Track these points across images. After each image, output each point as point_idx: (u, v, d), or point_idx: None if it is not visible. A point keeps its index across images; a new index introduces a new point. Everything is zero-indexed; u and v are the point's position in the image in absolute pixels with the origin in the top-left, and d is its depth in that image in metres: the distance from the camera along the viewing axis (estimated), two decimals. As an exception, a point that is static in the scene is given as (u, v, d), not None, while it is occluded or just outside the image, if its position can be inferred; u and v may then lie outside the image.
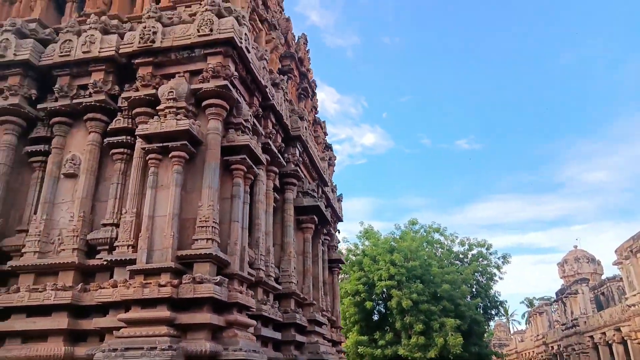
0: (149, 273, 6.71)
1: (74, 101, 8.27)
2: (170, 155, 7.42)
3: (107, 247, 7.46)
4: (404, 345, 28.15)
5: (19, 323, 6.98)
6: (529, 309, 62.44)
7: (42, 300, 6.95)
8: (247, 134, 8.34)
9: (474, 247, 35.72)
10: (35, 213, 7.93)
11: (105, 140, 8.20)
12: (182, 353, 6.14)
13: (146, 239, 6.92)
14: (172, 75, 8.29)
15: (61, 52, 8.50)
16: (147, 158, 7.50)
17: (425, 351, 27.59)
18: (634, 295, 26.19)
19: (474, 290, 32.50)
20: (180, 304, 6.61)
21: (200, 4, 8.53)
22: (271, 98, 9.97)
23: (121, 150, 8.12)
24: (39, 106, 8.41)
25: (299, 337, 10.23)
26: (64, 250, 7.36)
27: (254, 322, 7.64)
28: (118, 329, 6.61)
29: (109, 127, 8.28)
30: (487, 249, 35.41)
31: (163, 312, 6.41)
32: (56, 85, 8.46)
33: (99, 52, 8.36)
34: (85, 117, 8.28)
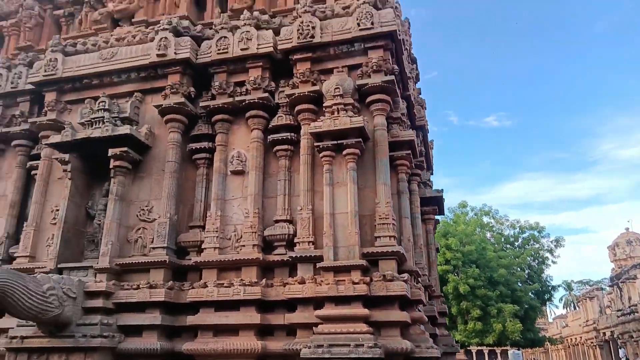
0: (338, 270, 6.89)
1: (235, 99, 8.41)
2: (344, 153, 7.49)
3: (283, 243, 7.67)
4: (461, 330, 28.14)
5: (210, 317, 7.34)
6: (567, 293, 60.54)
7: (231, 295, 7.26)
8: (406, 128, 8.30)
9: (526, 229, 34.96)
10: (205, 209, 8.24)
11: (268, 137, 8.34)
12: (383, 350, 6.31)
13: (330, 236, 7.08)
14: (330, 71, 8.30)
15: (218, 50, 8.63)
16: (320, 155, 7.60)
17: (483, 337, 27.48)
18: None
19: (526, 274, 32.00)
20: (371, 302, 6.76)
21: (357, -3, 8.39)
22: (408, 88, 9.84)
23: (285, 147, 8.25)
24: (201, 104, 8.62)
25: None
26: (243, 246, 7.63)
27: (426, 318, 7.75)
28: (308, 325, 6.85)
29: (270, 124, 8.40)
30: (539, 231, 34.57)
31: (360, 310, 6.58)
32: (215, 83, 8.62)
33: (257, 48, 8.44)
34: (247, 115, 8.42)
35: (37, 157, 9.45)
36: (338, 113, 7.64)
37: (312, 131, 7.62)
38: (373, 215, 7.31)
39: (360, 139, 7.45)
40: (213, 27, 9.06)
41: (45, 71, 9.24)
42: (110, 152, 8.21)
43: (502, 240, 34.64)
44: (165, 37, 8.70)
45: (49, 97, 9.35)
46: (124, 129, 8.18)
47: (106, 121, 8.31)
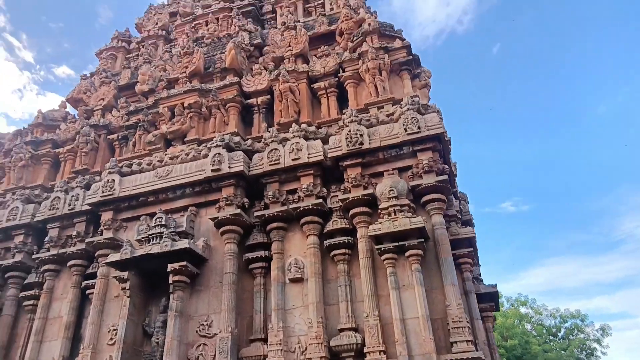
0: (416, 381, 6.51)
1: (290, 207, 8.61)
2: (406, 254, 7.45)
3: (352, 353, 7.35)
4: None
5: None
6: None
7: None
8: (462, 224, 8.30)
9: (567, 318, 33.21)
10: (265, 320, 8.06)
11: (325, 242, 8.38)
12: None
13: (403, 344, 6.80)
14: (380, 174, 8.56)
15: (270, 161, 9.01)
16: (382, 258, 7.56)
17: None
18: None
19: (575, 368, 29.71)
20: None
21: (400, 105, 8.89)
22: (455, 185, 10.00)
23: (342, 251, 8.25)
24: (255, 214, 8.81)
25: None
26: (310, 359, 7.32)
27: None
28: None
29: (325, 228, 8.49)
30: (582, 320, 32.75)
31: None
32: (268, 193, 8.88)
33: (308, 157, 8.79)
34: (301, 221, 8.55)
35: (92, 276, 9.54)
36: (395, 214, 7.73)
37: (371, 234, 7.66)
38: (444, 318, 7.07)
39: (422, 239, 7.45)
40: (263, 140, 9.55)
41: (103, 192, 9.65)
42: (170, 267, 8.27)
43: (544, 331, 32.76)
44: (219, 153, 9.15)
45: (106, 216, 9.65)
46: (183, 244, 8.31)
47: (165, 237, 8.47)
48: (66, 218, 10.20)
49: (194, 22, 13.79)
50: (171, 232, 8.63)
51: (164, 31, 14.60)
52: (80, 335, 9.26)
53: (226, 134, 9.69)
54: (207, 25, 13.62)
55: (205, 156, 9.44)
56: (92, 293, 9.33)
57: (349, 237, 8.28)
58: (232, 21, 13.23)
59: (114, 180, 9.73)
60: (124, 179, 9.75)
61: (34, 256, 10.07)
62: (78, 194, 10.22)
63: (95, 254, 9.50)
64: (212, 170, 9.01)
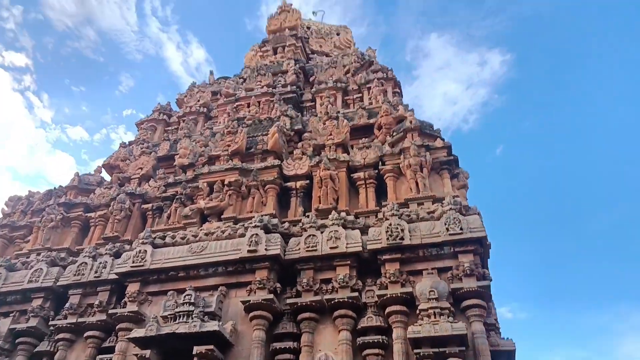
0: None
1: (324, 297, 8.40)
2: (446, 362, 7.11)
3: None
4: None
5: None
6: None
7: None
8: (502, 336, 7.99)
9: None
10: (290, 419, 7.55)
11: (358, 339, 8.06)
12: None
13: None
14: (419, 272, 8.41)
15: (307, 247, 8.94)
16: (420, 364, 7.21)
17: None
18: None
19: None
20: None
21: (441, 204, 8.96)
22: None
23: (376, 351, 7.91)
24: (288, 301, 8.59)
25: None
26: None
27: None
28: None
29: (359, 324, 8.21)
30: None
31: None
32: (302, 280, 8.72)
33: (346, 247, 8.72)
34: (334, 314, 8.30)
35: (108, 350, 9.16)
36: (435, 317, 7.49)
37: (410, 336, 7.37)
38: None
39: (464, 347, 7.14)
40: (300, 224, 9.55)
41: (133, 262, 9.53)
42: (196, 349, 7.92)
43: None
44: (257, 234, 9.12)
45: (132, 287, 9.46)
46: (212, 325, 8.03)
47: (194, 316, 8.22)
48: (90, 285, 9.99)
49: (237, 103, 14.41)
50: (200, 312, 8.37)
51: (205, 108, 15.23)
52: (87, 414, 8.70)
53: (264, 215, 9.72)
54: (248, 107, 14.20)
55: (242, 235, 9.41)
56: (105, 369, 8.92)
57: (384, 337, 7.97)
58: (273, 105, 13.80)
59: (146, 251, 9.65)
60: (156, 251, 9.67)
61: (50, 323, 9.75)
62: (106, 262, 10.09)
63: (116, 327, 9.17)
64: (249, 251, 8.93)
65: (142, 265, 9.46)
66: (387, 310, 8.11)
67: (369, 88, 13.66)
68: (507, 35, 52.06)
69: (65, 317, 9.76)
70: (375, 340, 7.93)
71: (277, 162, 10.93)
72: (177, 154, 12.96)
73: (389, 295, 8.08)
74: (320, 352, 8.11)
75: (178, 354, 8.20)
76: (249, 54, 21.62)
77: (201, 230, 9.93)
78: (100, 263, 10.12)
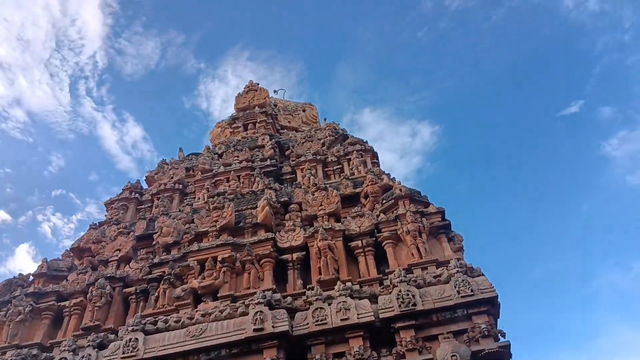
0: None
1: (341, 373, 8.00)
2: None
3: None
4: None
5: None
6: None
7: None
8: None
9: None
10: None
11: (382, 415, 7.64)
12: None
13: None
14: (434, 337, 8.31)
15: (316, 321, 8.61)
16: None
17: None
18: None
19: None
20: None
21: (447, 267, 9.07)
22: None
23: None
24: (302, 381, 8.09)
25: None
26: None
27: None
28: None
29: (381, 399, 7.82)
30: None
31: None
32: (314, 356, 8.32)
33: (358, 317, 8.49)
34: (353, 390, 7.88)
35: None
36: (462, 384, 7.29)
37: (442, 407, 7.09)
38: None
39: (498, 413, 6.94)
40: (304, 298, 9.25)
41: (124, 352, 8.73)
42: None
43: None
44: (261, 311, 8.71)
45: (123, 381, 8.56)
46: (225, 417, 7.35)
47: (203, 408, 7.50)
48: (71, 383, 8.95)
49: (215, 178, 14.24)
50: (209, 402, 7.67)
51: (180, 185, 14.90)
52: None
53: (266, 291, 9.34)
54: (228, 181, 14.06)
55: (244, 314, 8.94)
56: None
57: (410, 410, 7.62)
58: (254, 179, 13.76)
59: (137, 339, 8.88)
60: (148, 338, 8.93)
61: None
62: (90, 355, 9.12)
63: None
64: (255, 330, 8.46)
65: (135, 355, 8.66)
66: (409, 381, 7.82)
67: (349, 159, 14.03)
68: (434, 108, 56.47)
69: None
70: (401, 416, 7.55)
71: (269, 235, 10.74)
72: (156, 233, 12.40)
73: (409, 365, 7.83)
74: None
75: None
76: (215, 130, 21.78)
77: (197, 311, 9.34)
78: (84, 357, 9.14)
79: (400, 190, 11.13)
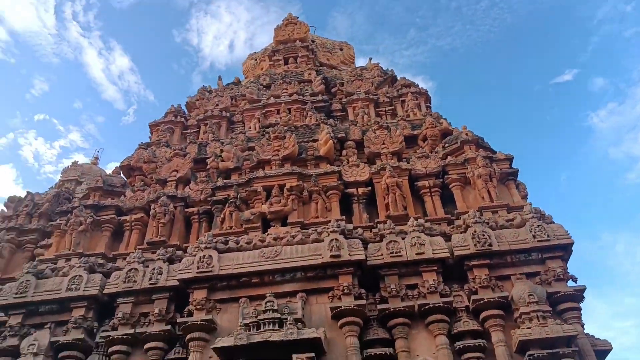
0: None
1: (417, 302, 8.31)
2: (560, 364, 7.24)
3: None
4: None
5: None
6: None
7: None
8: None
9: None
10: None
11: (456, 344, 8.01)
12: None
13: None
14: (507, 277, 8.61)
15: (390, 253, 8.81)
16: (534, 366, 7.28)
17: None
18: None
19: None
20: None
21: (520, 212, 9.25)
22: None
23: (476, 354, 7.90)
24: (379, 307, 8.39)
25: None
26: None
27: None
28: None
29: (454, 329, 8.18)
30: None
31: None
32: (388, 286, 8.57)
33: (433, 253, 8.71)
34: (428, 319, 8.22)
35: (172, 362, 8.41)
36: (539, 320, 7.64)
37: (522, 339, 7.46)
38: None
39: (576, 348, 7.33)
40: (376, 230, 9.42)
41: (199, 268, 8.89)
42: (295, 357, 7.47)
43: None
44: (336, 239, 8.86)
45: (198, 295, 8.80)
46: (311, 333, 7.66)
47: (289, 324, 7.78)
48: (143, 293, 9.15)
49: (265, 109, 14.04)
50: (293, 319, 7.94)
51: (228, 113, 14.71)
52: None
53: (339, 220, 9.47)
54: (278, 113, 13.88)
55: (316, 240, 9.10)
56: (172, 383, 8.18)
57: (482, 340, 7.99)
58: (305, 113, 13.60)
59: (211, 256, 9.03)
60: (222, 256, 9.09)
61: (102, 334, 8.80)
62: (161, 268, 9.31)
63: (185, 337, 8.44)
64: (332, 256, 8.64)
65: (210, 271, 8.84)
66: (484, 314, 8.16)
67: (403, 101, 13.88)
68: (428, 64, 55.45)
69: (116, 328, 8.85)
70: (476, 345, 7.93)
71: (336, 168, 10.76)
72: (209, 157, 12.40)
73: (486, 300, 8.14)
74: (418, 357, 7.98)
75: (269, 361, 7.71)
76: (248, 62, 21.34)
77: (268, 235, 9.47)
78: (154, 269, 9.31)
79: (467, 134, 11.13)
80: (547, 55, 48.99)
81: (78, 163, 22.11)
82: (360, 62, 22.81)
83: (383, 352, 8.04)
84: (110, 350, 8.66)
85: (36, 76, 52.74)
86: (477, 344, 7.93)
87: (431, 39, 54.86)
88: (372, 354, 8.06)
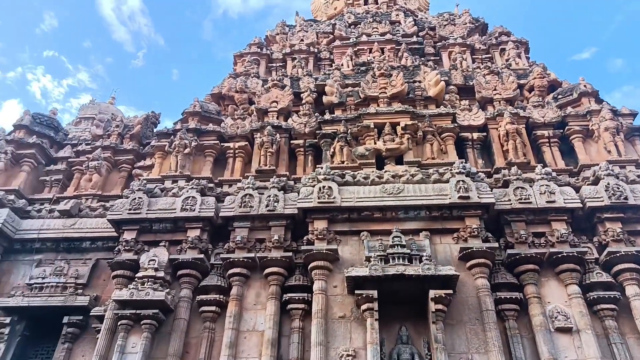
0: None
1: (550, 250, 8.17)
2: None
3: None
4: None
5: None
6: None
7: None
8: None
9: None
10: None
11: (588, 295, 7.91)
12: None
13: None
14: (638, 233, 8.38)
15: (518, 199, 8.60)
16: None
17: None
18: None
19: None
20: None
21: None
22: None
23: (610, 306, 7.81)
24: (509, 251, 8.26)
25: None
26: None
27: None
28: None
29: (585, 280, 8.08)
30: None
31: None
32: (516, 232, 8.45)
33: (564, 202, 8.51)
34: (559, 268, 8.09)
35: (291, 289, 8.43)
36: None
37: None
38: None
39: None
40: (501, 175, 9.17)
41: (319, 198, 8.75)
42: (433, 293, 7.42)
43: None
44: (463, 181, 8.65)
45: (319, 225, 8.70)
46: (448, 270, 7.56)
47: (425, 259, 7.70)
48: (259, 219, 9.06)
49: (357, 47, 13.54)
50: (427, 256, 7.86)
51: (315, 48, 14.22)
52: (281, 355, 7.98)
53: (461, 162, 9.21)
54: (369, 52, 13.40)
55: (437, 181, 8.90)
56: (293, 308, 8.22)
57: (616, 293, 7.88)
58: (400, 54, 13.11)
59: (331, 187, 8.87)
60: (342, 189, 8.93)
61: (222, 256, 8.78)
62: (277, 195, 9.18)
63: (309, 266, 8.40)
64: (460, 197, 8.44)
65: (332, 202, 8.70)
66: (617, 268, 8.03)
67: (502, 49, 13.31)
68: None
69: (233, 251, 8.83)
70: (609, 296, 7.83)
71: (451, 110, 10.41)
72: (303, 92, 12.05)
73: (622, 253, 7.97)
74: (549, 304, 7.88)
75: (394, 295, 7.69)
76: (318, 1, 20.52)
77: (385, 171, 9.26)
78: (269, 196, 9.18)
79: (586, 86, 10.67)
80: (568, 31, 46.96)
81: (95, 101, 21.89)
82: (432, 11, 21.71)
83: (514, 296, 7.95)
84: (230, 272, 8.66)
85: (46, 10, 51.44)
86: (611, 296, 7.83)
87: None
88: (503, 297, 7.97)
